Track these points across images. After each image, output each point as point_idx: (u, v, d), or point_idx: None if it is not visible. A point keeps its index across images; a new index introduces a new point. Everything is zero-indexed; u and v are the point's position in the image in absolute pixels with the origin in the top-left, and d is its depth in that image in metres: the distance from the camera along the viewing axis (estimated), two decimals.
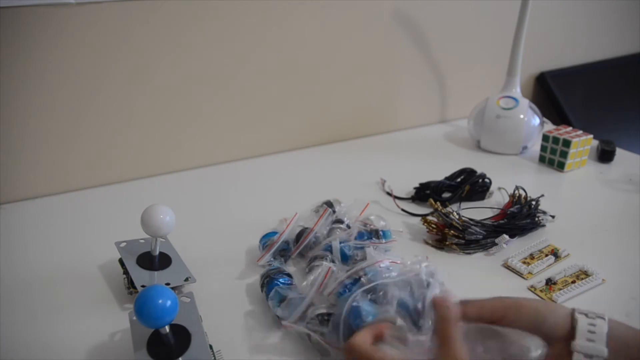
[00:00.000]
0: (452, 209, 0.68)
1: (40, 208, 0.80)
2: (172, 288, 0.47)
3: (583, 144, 0.89)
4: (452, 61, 1.11)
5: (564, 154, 0.88)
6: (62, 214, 0.78)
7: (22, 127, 0.78)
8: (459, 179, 0.81)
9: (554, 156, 0.90)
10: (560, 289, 0.57)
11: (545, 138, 0.91)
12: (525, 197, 0.72)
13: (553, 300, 0.56)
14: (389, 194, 0.81)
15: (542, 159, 0.93)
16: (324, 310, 0.50)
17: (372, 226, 0.65)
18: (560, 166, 0.90)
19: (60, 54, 0.76)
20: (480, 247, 0.66)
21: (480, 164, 0.84)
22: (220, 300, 0.57)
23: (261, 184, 0.88)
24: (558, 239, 0.67)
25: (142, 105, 0.85)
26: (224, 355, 0.48)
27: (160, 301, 0.40)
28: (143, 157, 0.88)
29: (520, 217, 0.69)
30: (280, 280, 0.55)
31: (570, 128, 0.92)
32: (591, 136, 0.89)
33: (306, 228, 0.65)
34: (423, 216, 0.71)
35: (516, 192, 0.73)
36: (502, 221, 0.68)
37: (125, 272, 0.57)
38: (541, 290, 0.58)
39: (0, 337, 0.52)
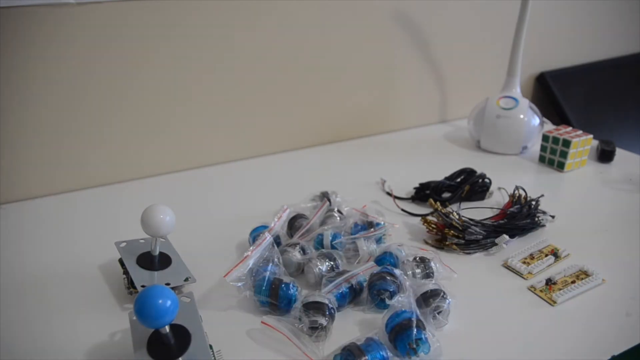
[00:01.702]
0: (452, 209, 0.68)
1: (40, 208, 0.79)
2: (172, 288, 0.47)
3: (583, 144, 0.89)
4: (452, 61, 1.11)
5: (564, 154, 0.88)
6: (62, 214, 0.78)
7: (22, 127, 0.78)
8: (458, 179, 0.81)
9: (554, 156, 0.90)
10: (560, 289, 0.57)
11: (545, 138, 0.91)
12: (525, 197, 0.72)
13: (553, 301, 0.56)
14: (388, 194, 0.81)
15: (542, 159, 0.93)
16: (311, 300, 0.51)
17: (368, 217, 0.66)
18: (560, 166, 0.90)
19: (60, 53, 0.76)
20: (480, 247, 0.66)
21: (480, 164, 0.84)
22: (220, 301, 0.57)
23: (261, 184, 0.88)
24: (558, 239, 0.67)
25: (142, 105, 0.85)
26: (224, 355, 0.48)
27: (160, 301, 0.40)
28: (143, 157, 0.88)
29: (520, 217, 0.69)
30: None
31: (570, 128, 0.92)
32: (591, 136, 0.89)
33: (300, 214, 0.68)
34: (423, 216, 0.71)
35: (516, 192, 0.73)
36: (502, 221, 0.68)
37: (125, 272, 0.57)
38: (541, 290, 0.58)
39: None
